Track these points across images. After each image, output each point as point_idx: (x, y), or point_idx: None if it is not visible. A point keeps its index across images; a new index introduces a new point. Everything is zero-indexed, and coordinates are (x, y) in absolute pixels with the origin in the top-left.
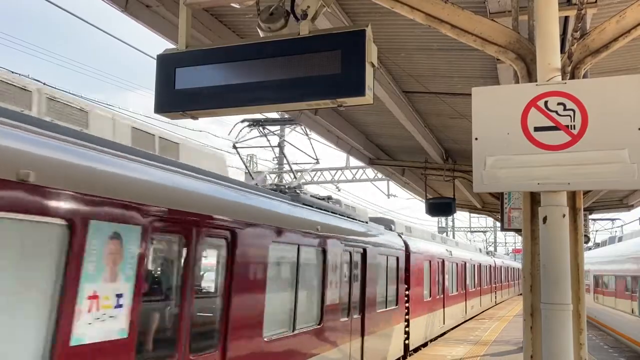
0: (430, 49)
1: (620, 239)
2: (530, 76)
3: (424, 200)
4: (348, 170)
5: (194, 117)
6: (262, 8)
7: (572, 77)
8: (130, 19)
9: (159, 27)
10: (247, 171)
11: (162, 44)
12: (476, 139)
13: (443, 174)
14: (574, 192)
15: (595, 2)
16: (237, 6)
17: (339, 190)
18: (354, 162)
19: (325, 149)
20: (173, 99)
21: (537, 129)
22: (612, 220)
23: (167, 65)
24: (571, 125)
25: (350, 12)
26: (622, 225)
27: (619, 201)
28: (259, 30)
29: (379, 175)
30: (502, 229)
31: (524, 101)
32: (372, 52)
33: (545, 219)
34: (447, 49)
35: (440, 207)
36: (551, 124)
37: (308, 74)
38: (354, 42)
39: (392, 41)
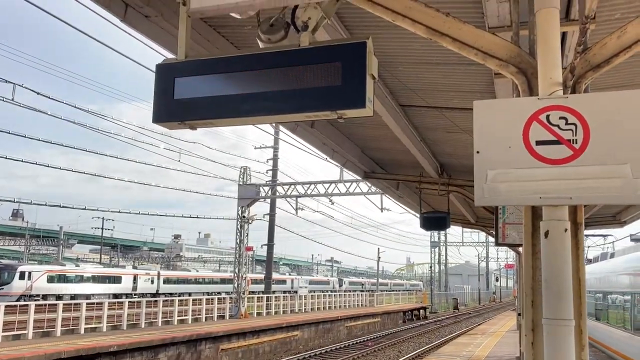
0: (428, 63)
1: (612, 255)
2: (531, 90)
3: (418, 215)
4: (342, 184)
5: (193, 127)
6: (262, 19)
7: (573, 91)
8: (129, 29)
9: (158, 37)
10: (240, 183)
11: (157, 56)
12: (477, 152)
13: (438, 188)
14: (575, 206)
15: (594, 18)
16: (237, 16)
17: (333, 204)
18: (348, 175)
19: (319, 163)
20: (172, 109)
21: (538, 142)
22: (605, 236)
23: (166, 75)
24: (573, 140)
25: (348, 25)
26: (613, 242)
27: (612, 217)
28: (258, 41)
29: (373, 189)
30: (497, 243)
31: (526, 115)
32: (372, 65)
33: (547, 234)
34: (444, 64)
35: (434, 221)
36: (553, 138)
37: (308, 85)
38: (354, 54)
39: (390, 55)
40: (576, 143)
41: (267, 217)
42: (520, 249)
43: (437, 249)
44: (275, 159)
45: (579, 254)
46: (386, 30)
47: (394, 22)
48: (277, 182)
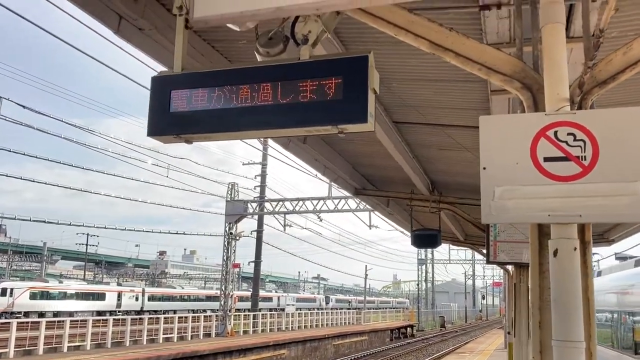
0: (424, 79)
1: (599, 274)
2: (537, 106)
3: (408, 232)
4: (330, 201)
5: (188, 141)
6: (260, 32)
7: (580, 107)
8: (122, 43)
9: (152, 50)
10: (228, 199)
11: (147, 71)
12: (484, 168)
13: (429, 205)
14: (583, 224)
15: (602, 32)
16: (236, 29)
17: (321, 221)
18: (337, 192)
19: (308, 179)
20: (167, 122)
21: (547, 159)
22: (592, 254)
23: (161, 87)
24: (582, 156)
25: (345, 41)
26: (598, 260)
27: (600, 235)
28: (256, 55)
29: (362, 205)
30: (488, 261)
31: (533, 131)
32: (374, 79)
33: (555, 252)
34: (440, 80)
35: (425, 238)
36: (561, 154)
37: (308, 99)
38: (356, 68)
39: (386, 71)
40: (585, 160)
41: (255, 234)
42: (510, 267)
43: (424, 267)
44: (263, 175)
45: (587, 273)
46: (383, 47)
47: (397, 37)
48: (265, 198)
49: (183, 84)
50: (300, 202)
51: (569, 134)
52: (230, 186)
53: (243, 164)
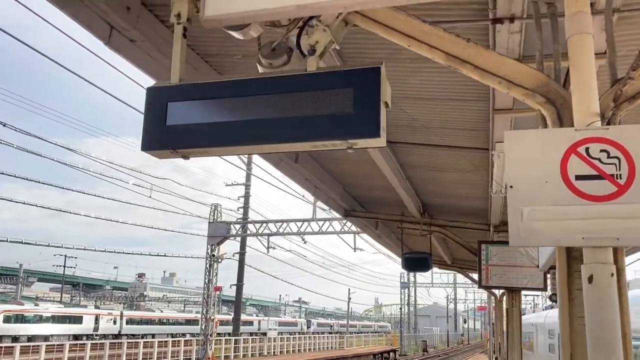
0: (423, 98)
1: None
2: (562, 121)
3: (395, 255)
4: (315, 222)
5: (185, 157)
6: (263, 43)
7: (609, 123)
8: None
9: (143, 63)
10: (210, 221)
11: (130, 89)
12: (511, 187)
13: (420, 228)
14: (616, 249)
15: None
16: (240, 37)
17: (305, 243)
18: (321, 214)
19: (293, 200)
20: (163, 136)
21: (578, 177)
22: None
23: (158, 98)
24: (617, 175)
25: (344, 56)
26: None
27: None
28: (258, 66)
29: (346, 228)
30: (480, 286)
31: (563, 147)
32: (386, 91)
33: (590, 278)
34: (440, 99)
35: (416, 262)
36: (594, 172)
37: (317, 112)
38: (367, 80)
39: None
40: (620, 178)
41: (237, 256)
42: (497, 291)
43: (406, 290)
44: (246, 196)
45: (623, 302)
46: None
47: (409, 48)
48: (249, 219)
49: (181, 95)
50: (284, 224)
51: (602, 150)
52: (213, 207)
53: (226, 185)
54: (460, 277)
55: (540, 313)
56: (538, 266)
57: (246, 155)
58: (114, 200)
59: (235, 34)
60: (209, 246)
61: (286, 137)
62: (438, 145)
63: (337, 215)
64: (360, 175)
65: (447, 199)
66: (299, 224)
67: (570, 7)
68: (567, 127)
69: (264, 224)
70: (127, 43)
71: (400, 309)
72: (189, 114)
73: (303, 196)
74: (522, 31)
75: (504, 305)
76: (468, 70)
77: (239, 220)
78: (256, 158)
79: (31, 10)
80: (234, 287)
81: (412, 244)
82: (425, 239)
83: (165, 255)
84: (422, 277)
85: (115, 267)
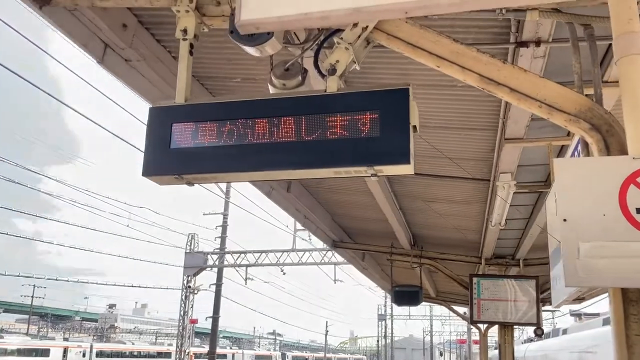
0: (427, 126)
1: (565, 332)
2: (609, 149)
3: (374, 287)
4: (294, 253)
5: (190, 183)
6: (275, 62)
7: None
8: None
9: (135, 83)
10: (187, 251)
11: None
12: (564, 220)
13: (410, 260)
14: None
15: None
16: (256, 54)
17: (284, 274)
18: (301, 244)
19: (273, 230)
20: (167, 160)
21: None
22: (552, 311)
23: (161, 119)
24: None
25: (348, 80)
26: (554, 317)
27: None
28: (269, 87)
29: (326, 259)
30: (471, 321)
31: (620, 177)
32: (414, 114)
33: None
34: (445, 128)
35: (407, 295)
36: None
37: (338, 136)
38: (395, 102)
39: None
40: None
41: (214, 287)
42: (482, 325)
43: (383, 322)
44: (224, 226)
45: None
46: None
47: (439, 69)
48: (226, 250)
49: (187, 116)
50: (263, 255)
51: None
52: (190, 237)
53: (204, 214)
54: (437, 309)
55: (519, 347)
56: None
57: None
58: (88, 228)
59: (251, 50)
60: (184, 277)
61: (305, 162)
62: (437, 176)
63: (322, 246)
64: (352, 206)
65: (439, 230)
66: (278, 254)
67: (619, 28)
68: (622, 156)
69: (242, 255)
70: (120, 62)
71: (378, 341)
72: (196, 136)
73: (287, 226)
74: (546, 56)
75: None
76: (504, 94)
77: (216, 250)
78: (236, 185)
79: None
80: (207, 319)
81: (398, 276)
82: (410, 272)
83: (140, 287)
84: (399, 308)
85: (85, 298)
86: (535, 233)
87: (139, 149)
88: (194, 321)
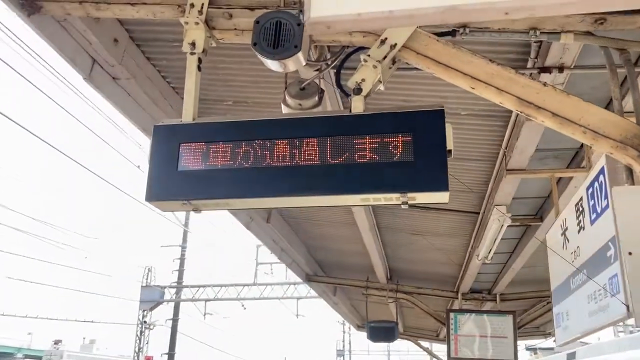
0: None
1: None
2: None
3: (338, 323)
4: (256, 287)
5: (197, 209)
6: (289, 81)
7: None
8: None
9: (122, 103)
10: (143, 285)
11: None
12: (629, 253)
13: (386, 294)
14: None
15: None
16: (279, 69)
17: (245, 309)
18: (262, 278)
19: (234, 263)
20: (174, 184)
21: None
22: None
23: (168, 139)
24: None
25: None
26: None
27: (536, 328)
28: (282, 107)
29: (288, 293)
30: (449, 358)
31: None
32: (450, 137)
33: None
34: None
35: (382, 331)
36: None
37: (368, 159)
38: (429, 123)
39: None
40: None
41: (170, 322)
42: None
43: (342, 358)
44: (182, 259)
45: None
46: None
47: (473, 91)
48: (183, 284)
49: (196, 135)
50: (223, 289)
51: None
52: (146, 270)
53: (162, 247)
54: (394, 345)
55: None
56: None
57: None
58: (35, 259)
59: (274, 65)
60: (140, 312)
61: (331, 188)
62: (424, 207)
63: (286, 279)
64: (331, 238)
65: (417, 264)
66: (239, 288)
67: None
68: None
69: (201, 288)
70: (108, 80)
71: None
72: (207, 158)
73: (256, 258)
74: (565, 83)
75: None
76: (544, 118)
77: (173, 284)
78: (195, 216)
79: None
80: (163, 355)
81: (371, 311)
82: (379, 307)
83: (92, 322)
84: (358, 344)
85: (29, 334)
86: (517, 267)
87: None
88: (149, 358)
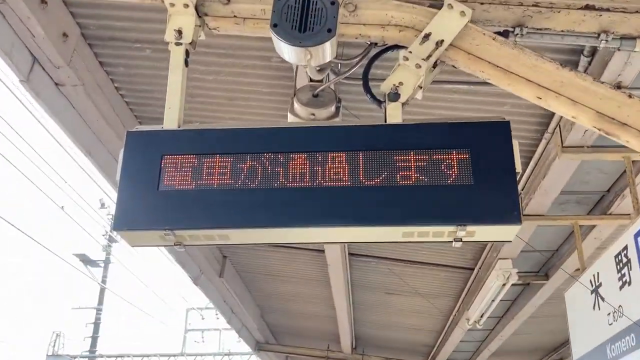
0: None
1: None
2: None
3: None
4: (183, 357)
5: (181, 244)
6: (299, 87)
7: None
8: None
9: (62, 115)
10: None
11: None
12: None
13: None
14: None
15: None
16: (299, 61)
17: None
18: (191, 347)
19: (160, 329)
20: (153, 208)
21: None
22: None
23: (144, 150)
24: None
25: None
26: None
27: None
28: (289, 115)
29: None
30: None
31: None
32: (517, 157)
33: None
34: None
35: None
36: None
37: (415, 181)
38: (492, 139)
39: None
40: None
41: None
42: None
43: None
44: (97, 323)
45: None
46: None
47: (539, 102)
48: (97, 353)
49: (185, 146)
50: (146, 358)
51: None
52: (54, 336)
53: (73, 309)
54: None
55: None
56: None
57: (100, 265)
58: None
59: (294, 54)
60: None
61: (364, 217)
62: (408, 261)
63: (219, 349)
64: (294, 298)
65: (388, 330)
66: (165, 358)
67: None
68: None
69: (119, 358)
70: (49, 85)
71: None
72: (199, 175)
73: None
74: None
75: None
76: (630, 137)
77: (85, 353)
78: (115, 268)
79: None
80: None
81: None
82: None
83: None
84: None
85: None
86: (506, 334)
87: None
88: None
